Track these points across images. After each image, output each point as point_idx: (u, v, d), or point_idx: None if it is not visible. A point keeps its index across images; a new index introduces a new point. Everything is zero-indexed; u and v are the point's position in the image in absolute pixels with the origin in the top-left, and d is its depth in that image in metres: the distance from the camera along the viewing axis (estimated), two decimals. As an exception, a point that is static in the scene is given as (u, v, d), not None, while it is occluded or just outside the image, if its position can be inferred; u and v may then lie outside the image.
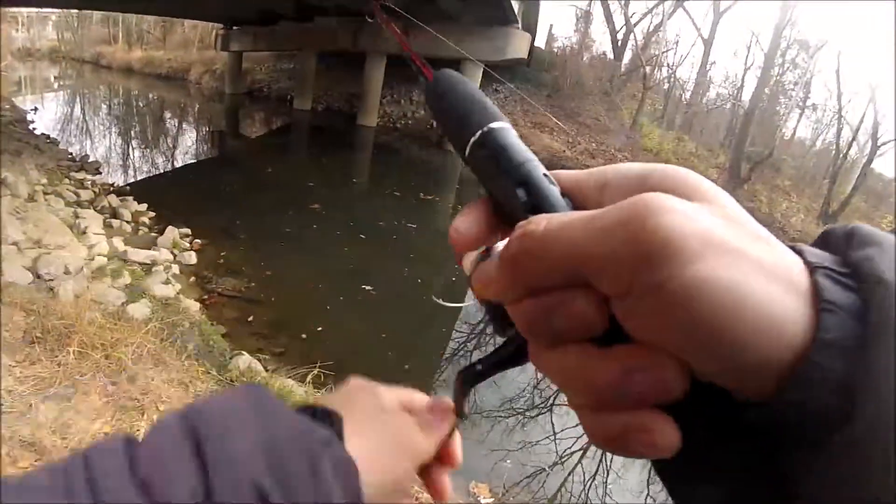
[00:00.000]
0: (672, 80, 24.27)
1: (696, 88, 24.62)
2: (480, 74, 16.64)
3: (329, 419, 0.35)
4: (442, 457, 0.41)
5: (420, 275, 7.48)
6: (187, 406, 0.32)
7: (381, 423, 0.39)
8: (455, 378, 0.39)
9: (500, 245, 0.31)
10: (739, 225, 0.24)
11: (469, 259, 0.32)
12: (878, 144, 17.76)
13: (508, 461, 4.32)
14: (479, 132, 0.32)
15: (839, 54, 26.80)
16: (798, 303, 0.22)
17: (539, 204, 0.29)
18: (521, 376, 5.75)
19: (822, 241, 0.26)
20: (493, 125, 0.32)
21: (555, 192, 0.30)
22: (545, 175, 0.30)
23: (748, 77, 23.69)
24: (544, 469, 4.37)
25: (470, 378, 0.38)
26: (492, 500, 3.78)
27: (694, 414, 0.24)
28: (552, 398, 5.38)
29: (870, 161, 18.39)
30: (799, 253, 0.24)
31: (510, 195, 0.30)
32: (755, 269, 0.22)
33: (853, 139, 19.89)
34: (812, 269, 0.23)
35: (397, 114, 18.57)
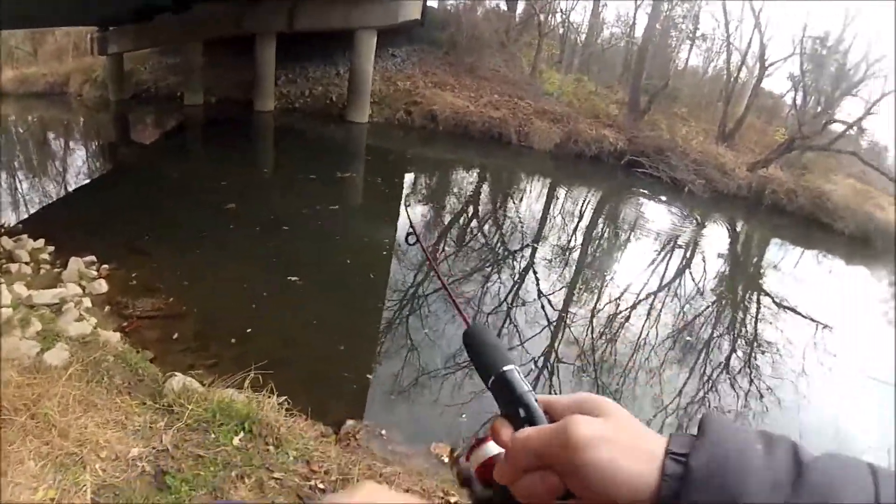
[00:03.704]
0: (566, 24, 24.65)
1: (591, 30, 25.12)
2: (375, 41, 16.37)
3: None
4: None
5: (347, 255, 7.51)
6: None
7: None
8: None
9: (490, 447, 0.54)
10: (623, 429, 0.45)
11: (476, 458, 0.54)
12: (766, 66, 18.73)
13: (464, 415, 4.50)
14: (497, 373, 0.54)
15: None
16: (653, 471, 0.41)
17: (531, 419, 0.49)
18: (459, 331, 5.95)
19: (699, 427, 0.45)
20: (505, 368, 0.53)
21: (539, 412, 0.50)
22: (536, 400, 0.50)
23: (639, 15, 24.23)
24: (499, 413, 4.60)
25: None
26: (454, 456, 3.94)
27: None
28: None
29: (759, 81, 19.48)
30: (670, 437, 0.44)
31: (515, 413, 0.50)
32: (627, 452, 0.42)
33: (742, 63, 20.87)
34: (666, 452, 0.42)
35: (295, 93, 18.03)
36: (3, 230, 7.37)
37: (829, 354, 7.19)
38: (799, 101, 18.18)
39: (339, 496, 0.49)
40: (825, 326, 8.06)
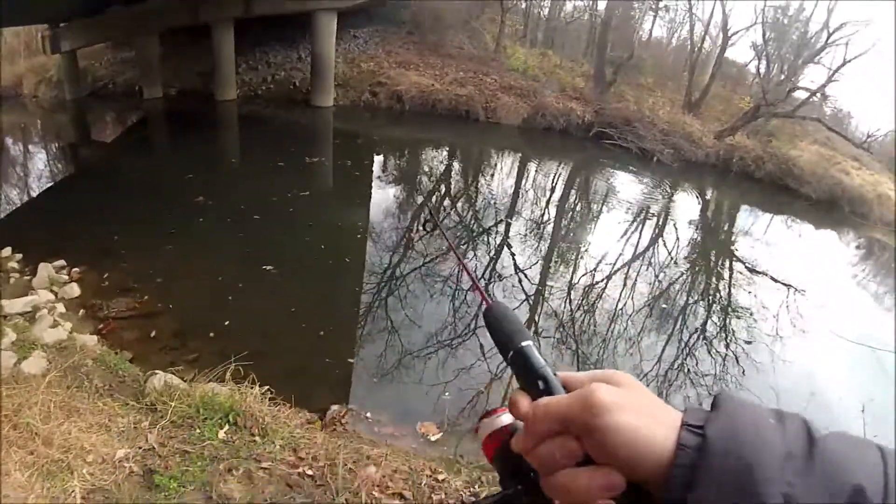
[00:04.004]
0: (529, -1, 24.48)
1: (553, 4, 24.86)
2: (335, 23, 16.08)
3: None
4: None
5: (321, 241, 7.48)
6: None
7: None
8: None
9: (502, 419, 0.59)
10: (641, 398, 0.48)
11: (485, 428, 0.59)
12: (729, 35, 18.89)
13: (448, 393, 4.56)
14: (516, 348, 0.56)
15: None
16: (670, 440, 0.44)
17: (549, 391, 0.52)
18: (439, 310, 5.99)
19: (712, 403, 0.47)
20: (523, 344, 0.56)
21: (558, 384, 0.52)
22: (554, 374, 0.53)
23: (601, -14, 24.05)
24: (482, 391, 4.64)
25: None
26: (440, 434, 3.99)
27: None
28: (471, 322, 5.64)
29: (723, 51, 19.49)
30: (685, 411, 0.46)
31: (534, 386, 0.53)
32: (646, 419, 0.45)
33: (705, 33, 21.05)
34: (682, 423, 0.45)
35: (256, 80, 17.60)
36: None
37: (803, 317, 7.38)
38: (762, 70, 18.38)
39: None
40: (798, 290, 8.25)
